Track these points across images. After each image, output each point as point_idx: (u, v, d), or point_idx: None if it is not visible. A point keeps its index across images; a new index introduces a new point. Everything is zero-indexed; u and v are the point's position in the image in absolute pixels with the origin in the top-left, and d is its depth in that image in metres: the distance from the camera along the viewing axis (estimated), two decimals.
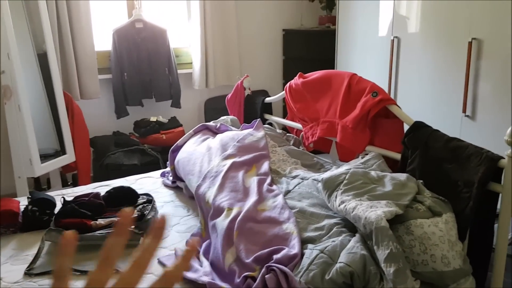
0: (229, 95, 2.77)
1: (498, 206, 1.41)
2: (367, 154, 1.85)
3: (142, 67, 3.51)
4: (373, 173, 1.53)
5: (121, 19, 3.54)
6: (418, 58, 2.85)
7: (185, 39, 3.85)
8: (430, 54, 2.76)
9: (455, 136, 1.58)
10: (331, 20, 3.94)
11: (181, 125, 3.58)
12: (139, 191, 2.06)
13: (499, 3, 2.29)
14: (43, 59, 2.96)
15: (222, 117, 2.51)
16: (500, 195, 1.38)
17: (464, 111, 2.54)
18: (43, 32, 2.88)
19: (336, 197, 1.44)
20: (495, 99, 2.39)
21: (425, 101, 2.81)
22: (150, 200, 1.93)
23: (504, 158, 1.36)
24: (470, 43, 2.43)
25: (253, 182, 1.74)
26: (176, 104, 3.69)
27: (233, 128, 2.32)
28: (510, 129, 1.31)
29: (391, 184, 1.43)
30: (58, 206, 1.89)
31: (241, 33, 3.98)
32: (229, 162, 1.86)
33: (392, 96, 3.01)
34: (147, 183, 2.36)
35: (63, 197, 1.90)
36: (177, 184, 2.21)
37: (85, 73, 3.33)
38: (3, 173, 3.01)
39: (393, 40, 2.98)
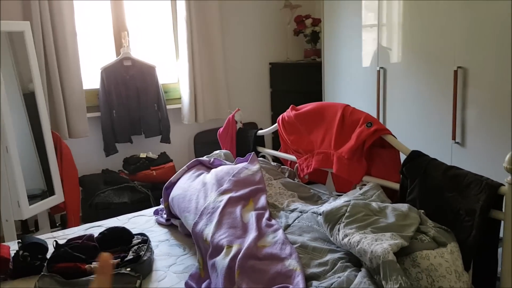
0: (221, 129, 2.77)
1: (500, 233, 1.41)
2: (364, 185, 1.84)
3: (131, 104, 3.51)
4: (374, 204, 1.51)
5: (109, 57, 3.55)
6: (404, 87, 2.91)
7: (174, 74, 3.87)
8: (415, 83, 2.82)
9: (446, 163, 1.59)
10: (316, 53, 4.02)
11: (171, 161, 3.55)
12: (133, 231, 2.01)
13: (482, 32, 2.36)
14: (29, 99, 2.93)
15: (216, 151, 2.49)
16: (502, 222, 1.38)
17: (453, 138, 2.58)
18: (31, 72, 2.86)
19: (338, 230, 1.42)
20: (483, 125, 2.43)
21: (414, 130, 2.85)
22: (145, 240, 1.88)
23: (503, 185, 1.36)
24: (455, 72, 2.50)
25: (251, 217, 1.71)
26: (166, 139, 3.67)
27: (227, 162, 2.30)
28: (508, 155, 1.32)
29: (394, 215, 1.42)
30: (51, 250, 1.82)
31: (228, 67, 4.03)
32: (225, 197, 1.83)
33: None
34: (140, 221, 2.31)
35: (55, 240, 1.83)
36: (172, 222, 2.16)
37: (73, 112, 3.30)
38: None
39: (379, 71, 3.04)
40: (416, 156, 1.63)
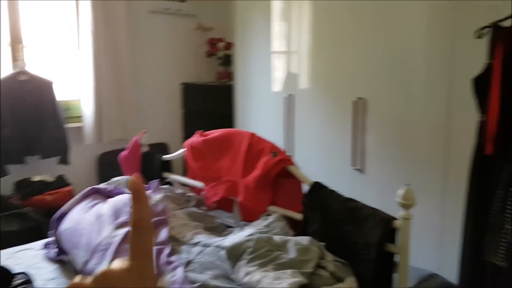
0: (124, 153, 2.61)
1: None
2: (269, 215, 1.82)
3: (25, 122, 3.19)
4: (277, 238, 1.49)
5: (4, 71, 3.21)
6: (310, 115, 2.99)
7: (76, 91, 3.61)
8: (320, 111, 2.91)
9: (347, 190, 1.63)
10: (229, 75, 4.01)
11: (68, 184, 3.28)
12: (17, 267, 1.79)
13: (379, 66, 2.51)
14: None
15: (115, 178, 2.33)
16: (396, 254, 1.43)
17: (353, 165, 2.69)
18: None
19: (240, 268, 1.37)
20: (381, 153, 2.57)
21: (319, 157, 2.92)
22: (27, 281, 1.67)
23: (396, 219, 1.41)
24: (355, 102, 2.61)
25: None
26: (64, 160, 3.39)
27: (128, 191, 2.16)
28: (402, 191, 1.37)
29: (295, 249, 1.41)
30: None
31: (137, 85, 3.87)
32: (122, 231, 1.69)
33: (289, 152, 3.09)
34: (26, 256, 2.06)
35: None
36: (62, 258, 1.96)
37: None
38: None
39: (287, 97, 3.10)
40: (317, 187, 1.65)
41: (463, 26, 2.05)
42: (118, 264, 0.40)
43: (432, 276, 2.02)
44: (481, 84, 1.65)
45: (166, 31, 4.05)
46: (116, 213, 1.82)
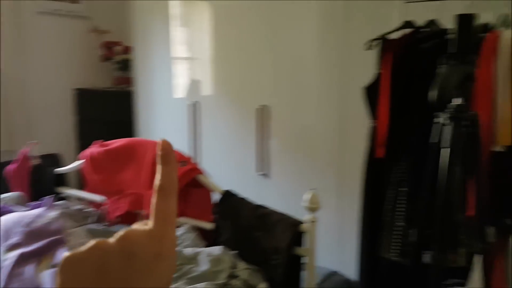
0: (11, 166, 2.36)
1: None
2: (178, 226, 1.78)
3: None
4: (188, 250, 1.47)
5: None
6: (215, 121, 2.99)
7: None
8: (226, 117, 2.93)
9: (253, 195, 1.66)
10: (127, 81, 3.85)
11: None
12: None
13: (278, 74, 2.61)
14: None
15: (3, 195, 2.09)
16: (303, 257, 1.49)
17: (259, 170, 2.75)
18: None
19: None
20: (284, 158, 2.67)
21: (225, 163, 2.94)
22: None
23: (303, 223, 1.47)
24: (258, 109, 2.68)
25: (47, 277, 1.46)
26: None
27: (18, 209, 1.95)
28: (308, 195, 1.44)
29: (208, 261, 1.40)
30: None
31: (25, 92, 3.53)
32: (14, 254, 1.53)
33: (196, 159, 3.06)
34: None
35: None
36: None
37: None
38: None
39: (192, 104, 3.07)
40: (228, 196, 1.66)
41: (355, 37, 2.22)
42: (140, 226, 0.40)
43: (333, 274, 2.14)
44: (372, 93, 1.80)
45: (57, 34, 3.75)
46: (6, 234, 1.63)
